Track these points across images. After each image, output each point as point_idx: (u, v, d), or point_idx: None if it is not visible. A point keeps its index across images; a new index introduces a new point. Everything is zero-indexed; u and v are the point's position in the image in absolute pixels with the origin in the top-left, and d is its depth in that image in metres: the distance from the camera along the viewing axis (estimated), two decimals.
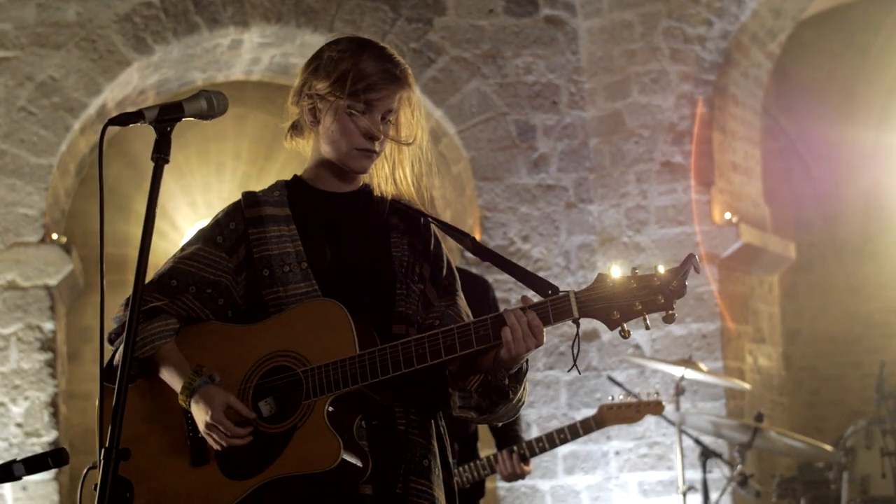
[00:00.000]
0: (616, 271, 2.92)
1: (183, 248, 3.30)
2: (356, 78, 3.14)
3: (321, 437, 2.98)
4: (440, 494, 3.20)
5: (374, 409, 3.12)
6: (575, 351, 2.97)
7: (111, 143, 10.60)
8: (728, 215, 8.87)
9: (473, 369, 3.11)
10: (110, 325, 3.22)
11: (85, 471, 2.99)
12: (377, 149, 3.21)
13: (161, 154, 2.85)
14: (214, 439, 3.06)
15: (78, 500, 2.66)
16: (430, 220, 3.33)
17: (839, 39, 12.17)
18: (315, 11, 8.87)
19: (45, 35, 8.51)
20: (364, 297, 3.14)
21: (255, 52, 9.19)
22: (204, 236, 3.29)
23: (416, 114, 3.25)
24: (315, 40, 8.90)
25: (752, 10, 8.87)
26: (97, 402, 2.76)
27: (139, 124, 2.89)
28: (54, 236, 8.48)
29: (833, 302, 12.60)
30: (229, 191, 12.73)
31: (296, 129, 3.37)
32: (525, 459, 5.92)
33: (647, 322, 2.92)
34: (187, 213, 12.63)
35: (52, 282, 8.35)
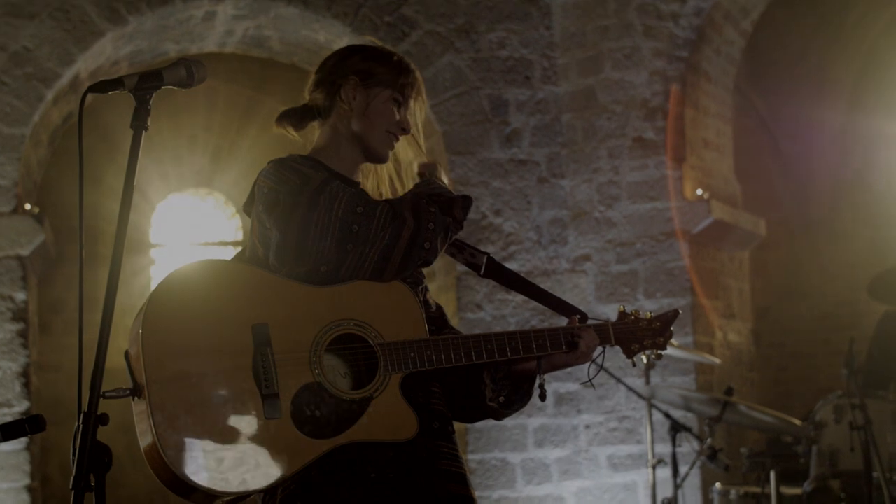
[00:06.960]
0: (628, 308, 3.63)
1: (332, 197, 3.23)
2: (405, 73, 3.44)
3: (398, 408, 3.20)
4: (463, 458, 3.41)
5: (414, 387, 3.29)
6: (595, 371, 3.57)
7: (83, 114, 10.53)
8: (700, 191, 8.91)
9: (508, 368, 3.44)
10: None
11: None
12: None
13: (140, 122, 2.86)
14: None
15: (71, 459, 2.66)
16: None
17: (812, 18, 12.20)
18: None
19: (19, 5, 8.46)
20: None
21: (228, 24, 9.16)
22: (331, 177, 3.28)
23: (420, 122, 3.53)
24: (289, 13, 8.88)
25: None
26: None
27: (117, 92, 2.90)
28: (27, 206, 8.46)
29: (802, 279, 12.66)
30: (201, 163, 12.70)
31: (291, 116, 3.47)
32: None
33: (647, 356, 3.64)
34: (159, 185, 12.59)
35: (24, 252, 8.32)
